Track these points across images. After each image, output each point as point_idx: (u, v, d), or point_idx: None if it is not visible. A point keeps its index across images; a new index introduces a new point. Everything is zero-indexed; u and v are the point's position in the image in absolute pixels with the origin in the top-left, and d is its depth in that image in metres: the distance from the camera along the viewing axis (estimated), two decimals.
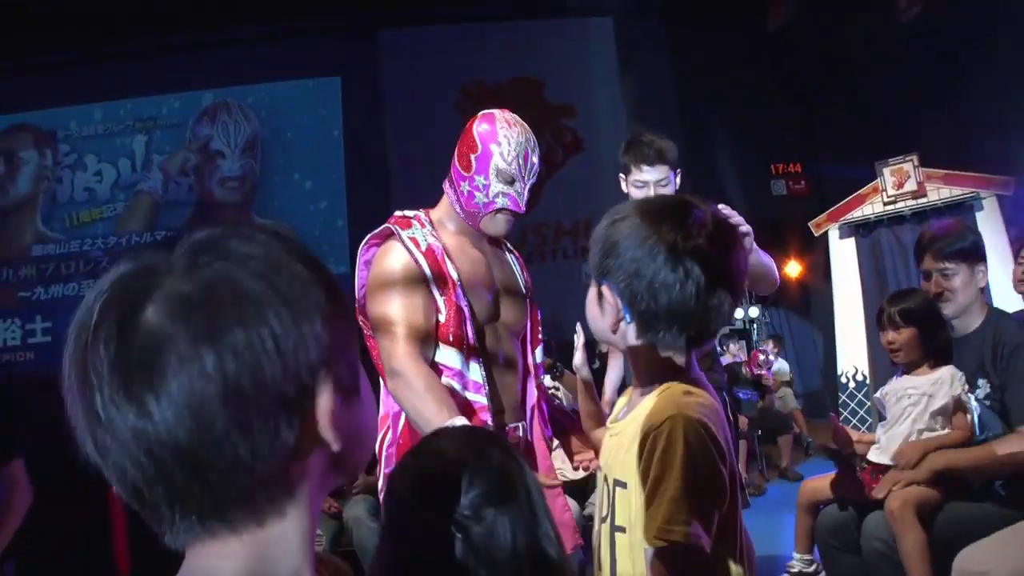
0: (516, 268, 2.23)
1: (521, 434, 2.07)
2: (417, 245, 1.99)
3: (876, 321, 2.68)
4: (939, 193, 6.91)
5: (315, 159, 8.27)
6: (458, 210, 2.09)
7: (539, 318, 2.24)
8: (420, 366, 1.89)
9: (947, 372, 2.50)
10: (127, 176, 8.31)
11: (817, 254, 8.23)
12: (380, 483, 2.03)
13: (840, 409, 7.42)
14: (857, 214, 7.41)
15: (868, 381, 7.31)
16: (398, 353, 1.89)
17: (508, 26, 8.36)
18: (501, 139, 2.04)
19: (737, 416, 6.02)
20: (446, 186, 2.14)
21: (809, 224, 7.77)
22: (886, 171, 7.11)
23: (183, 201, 8.25)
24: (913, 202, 7.03)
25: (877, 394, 2.72)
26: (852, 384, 7.42)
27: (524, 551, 1.14)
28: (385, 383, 1.97)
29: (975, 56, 6.44)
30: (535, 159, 2.07)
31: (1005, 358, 2.50)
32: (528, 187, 2.07)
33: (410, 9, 8.16)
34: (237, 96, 8.35)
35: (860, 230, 7.51)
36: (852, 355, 7.37)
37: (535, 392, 2.13)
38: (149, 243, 7.47)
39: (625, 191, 2.85)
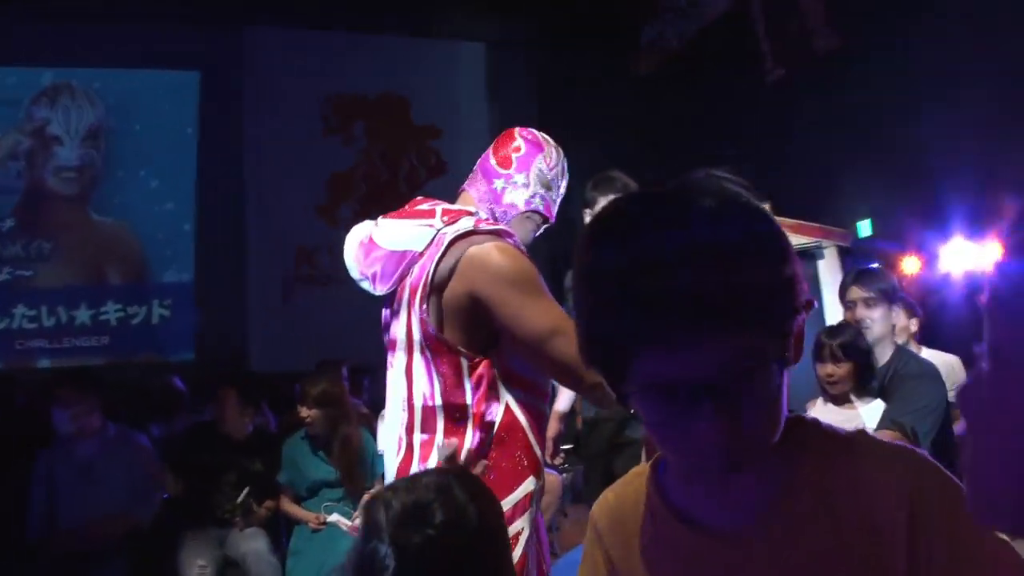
0: None
1: None
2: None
3: (813, 354, 2.89)
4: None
5: (165, 157, 7.89)
6: (483, 209, 2.00)
7: None
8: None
9: (880, 405, 2.75)
10: None
11: None
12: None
13: None
14: None
15: None
16: (562, 320, 1.77)
17: (380, 40, 8.34)
18: (547, 148, 2.07)
19: None
20: (470, 187, 2.06)
21: None
22: None
23: (10, 188, 7.61)
24: None
25: None
26: None
27: None
28: (464, 410, 1.84)
29: (821, 121, 7.07)
30: (566, 184, 2.12)
31: (892, 381, 2.81)
32: (560, 199, 2.09)
33: (280, 8, 7.95)
34: (83, 79, 7.82)
35: None
36: None
37: None
38: None
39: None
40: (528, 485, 1.85)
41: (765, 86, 7.11)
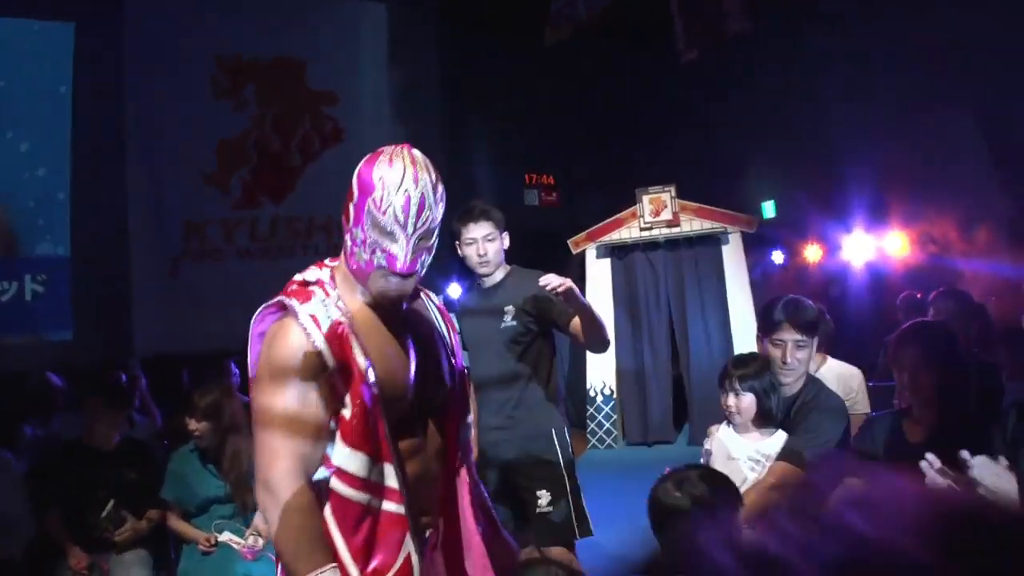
0: (440, 324, 2.07)
1: (439, 536, 1.93)
2: (318, 324, 1.77)
3: (719, 382, 2.86)
4: (691, 224, 7.58)
5: (35, 117, 7.30)
6: (350, 269, 1.87)
7: (468, 382, 2.13)
8: (298, 493, 1.70)
9: (781, 436, 2.74)
10: None
11: (569, 269, 8.65)
12: None
13: (588, 421, 7.92)
14: (615, 236, 7.93)
15: (615, 396, 7.86)
16: (278, 468, 1.70)
17: None
18: (377, 183, 1.75)
19: None
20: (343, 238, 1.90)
21: (568, 242, 8.18)
22: (645, 198, 7.66)
23: None
24: (668, 230, 7.65)
25: (706, 444, 2.91)
26: (600, 398, 7.95)
27: None
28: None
29: (731, 105, 7.10)
30: (428, 204, 1.78)
31: (799, 411, 2.80)
32: (415, 239, 1.78)
33: None
34: None
35: (616, 252, 8.05)
36: (601, 371, 7.90)
37: (466, 477, 1.98)
38: None
39: (461, 255, 3.43)
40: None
41: (676, 64, 7.07)
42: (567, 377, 8.67)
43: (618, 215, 7.76)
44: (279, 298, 1.84)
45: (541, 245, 8.69)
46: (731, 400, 2.80)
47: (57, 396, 4.97)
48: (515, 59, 8.61)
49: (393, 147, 1.82)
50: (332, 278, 1.89)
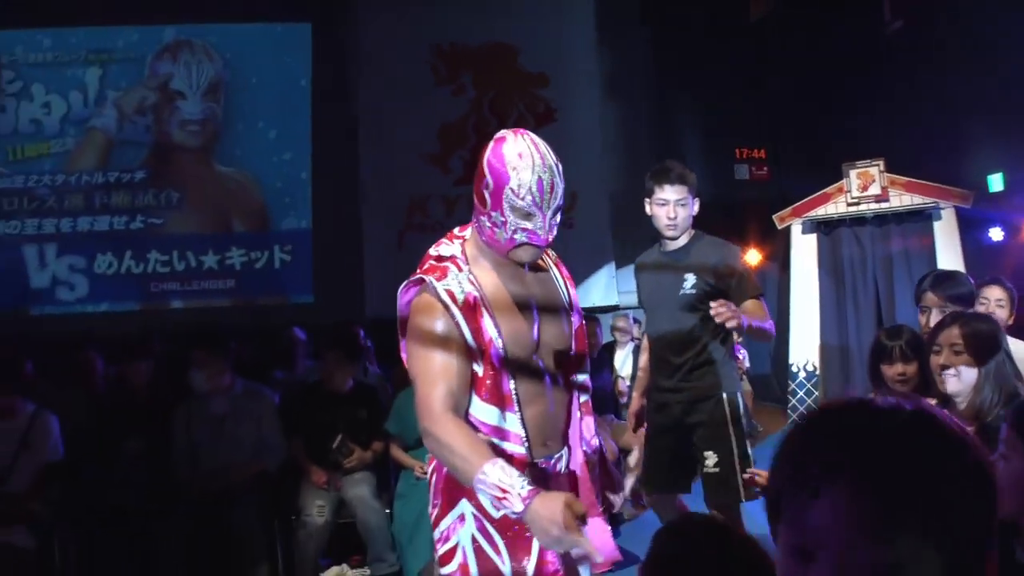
0: (560, 285, 2.33)
1: (561, 467, 2.23)
2: (454, 299, 2.06)
3: (876, 354, 3.08)
4: (901, 199, 7.48)
5: (281, 108, 8.38)
6: (484, 242, 2.16)
7: (584, 333, 2.37)
8: (451, 426, 1.99)
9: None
10: (78, 110, 8.25)
11: (776, 244, 8.73)
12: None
13: (789, 397, 8.04)
14: (821, 212, 7.94)
15: (818, 373, 7.93)
16: (433, 413, 2.01)
17: None
18: (511, 172, 2.02)
19: None
20: (473, 216, 2.19)
21: (773, 217, 8.28)
22: (852, 173, 7.64)
23: (139, 141, 8.26)
24: (876, 205, 7.60)
25: None
26: (803, 374, 8.03)
27: None
28: None
29: (947, 72, 6.91)
30: (556, 181, 2.05)
31: None
32: (551, 214, 2.07)
33: None
34: (200, 35, 8.35)
35: (822, 227, 8.05)
36: (805, 347, 7.98)
37: (578, 416, 2.31)
38: (100, 184, 7.48)
39: (649, 213, 3.50)
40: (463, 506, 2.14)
41: (883, 34, 6.99)
42: (772, 353, 8.78)
43: (824, 190, 7.77)
44: (418, 275, 2.14)
45: (751, 218, 8.85)
46: (900, 367, 3.00)
47: (300, 347, 5.85)
48: (723, 33, 8.75)
49: (513, 134, 2.07)
50: (463, 252, 2.18)
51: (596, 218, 8.70)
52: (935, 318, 3.03)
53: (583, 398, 2.32)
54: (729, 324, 2.90)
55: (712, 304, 2.91)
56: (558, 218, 2.11)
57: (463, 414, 2.07)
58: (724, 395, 3.40)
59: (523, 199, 2.02)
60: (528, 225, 2.06)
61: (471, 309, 2.07)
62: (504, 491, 1.86)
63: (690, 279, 3.39)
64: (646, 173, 3.52)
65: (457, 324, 2.05)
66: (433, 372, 2.03)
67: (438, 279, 2.08)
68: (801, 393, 8.01)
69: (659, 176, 3.41)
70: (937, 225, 7.31)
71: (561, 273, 2.36)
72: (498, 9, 8.63)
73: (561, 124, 8.64)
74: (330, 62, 8.38)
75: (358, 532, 4.54)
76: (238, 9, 8.26)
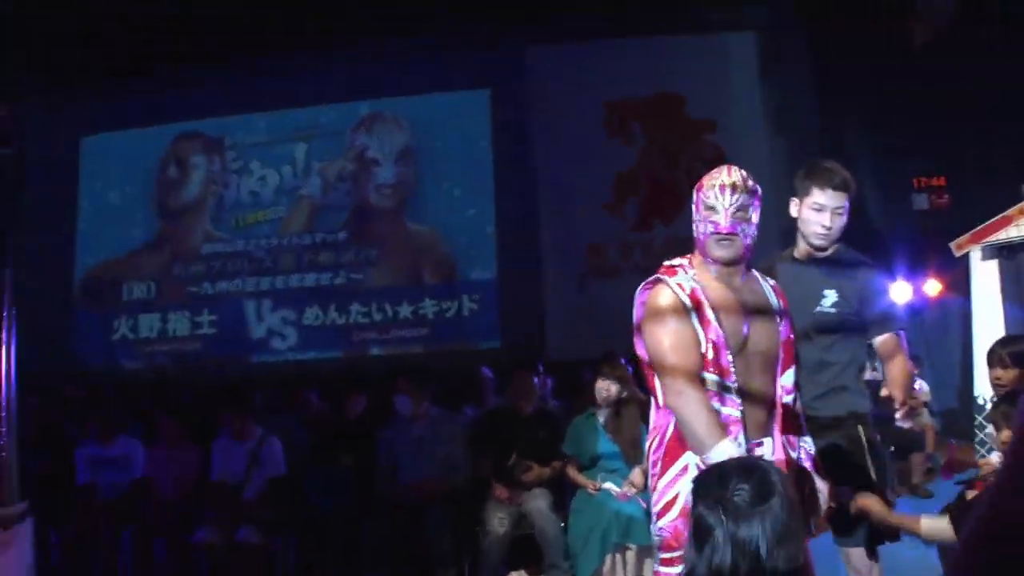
0: (770, 296, 2.73)
1: (764, 453, 2.55)
2: (682, 288, 2.58)
3: (988, 357, 3.34)
4: None
5: (464, 168, 9.26)
6: (699, 252, 2.69)
7: (792, 345, 2.74)
8: (697, 391, 2.48)
9: None
10: (289, 181, 9.46)
11: (957, 272, 8.67)
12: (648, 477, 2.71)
13: (976, 431, 7.91)
14: (1001, 236, 7.84)
15: None
16: (679, 378, 2.50)
17: (650, 42, 9.13)
18: (706, 182, 2.63)
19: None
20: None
21: (950, 245, 8.25)
22: None
23: (340, 205, 9.34)
24: None
25: None
26: (989, 406, 7.88)
27: (774, 546, 1.70)
28: (656, 404, 2.63)
29: None
30: (737, 185, 2.58)
31: None
32: (732, 211, 2.56)
33: (556, 25, 8.99)
34: (391, 107, 9.36)
35: (1003, 252, 7.93)
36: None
37: (780, 412, 2.66)
38: (308, 244, 8.56)
39: (794, 214, 3.24)
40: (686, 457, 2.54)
41: None
42: (958, 385, 8.69)
43: (1004, 213, 7.71)
44: (655, 276, 2.66)
45: (932, 248, 8.84)
46: (998, 372, 3.32)
47: (488, 384, 6.50)
48: (886, 61, 8.89)
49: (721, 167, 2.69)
50: (690, 263, 2.69)
51: (768, 252, 8.94)
52: None
53: (786, 399, 2.67)
54: (900, 414, 2.87)
55: (883, 391, 2.93)
56: (742, 220, 2.59)
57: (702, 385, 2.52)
58: (859, 424, 3.16)
59: (708, 196, 2.60)
60: (712, 216, 2.59)
61: (695, 299, 2.56)
62: None
63: (830, 296, 3.15)
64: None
65: (686, 307, 2.55)
66: (681, 345, 2.53)
67: (670, 277, 2.63)
68: (989, 427, 7.87)
69: (820, 177, 3.15)
70: None
71: (776, 294, 2.77)
72: (663, 62, 9.18)
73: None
74: (509, 123, 9.20)
75: (536, 543, 5.09)
76: (423, 82, 9.25)
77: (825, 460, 2.97)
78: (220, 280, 9.43)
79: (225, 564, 4.93)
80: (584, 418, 4.98)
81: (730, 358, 2.55)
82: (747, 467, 1.89)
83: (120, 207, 9.77)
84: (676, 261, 2.70)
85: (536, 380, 5.77)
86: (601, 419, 4.87)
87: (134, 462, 5.51)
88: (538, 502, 5.08)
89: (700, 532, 1.80)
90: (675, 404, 2.53)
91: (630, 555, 4.59)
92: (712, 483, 1.86)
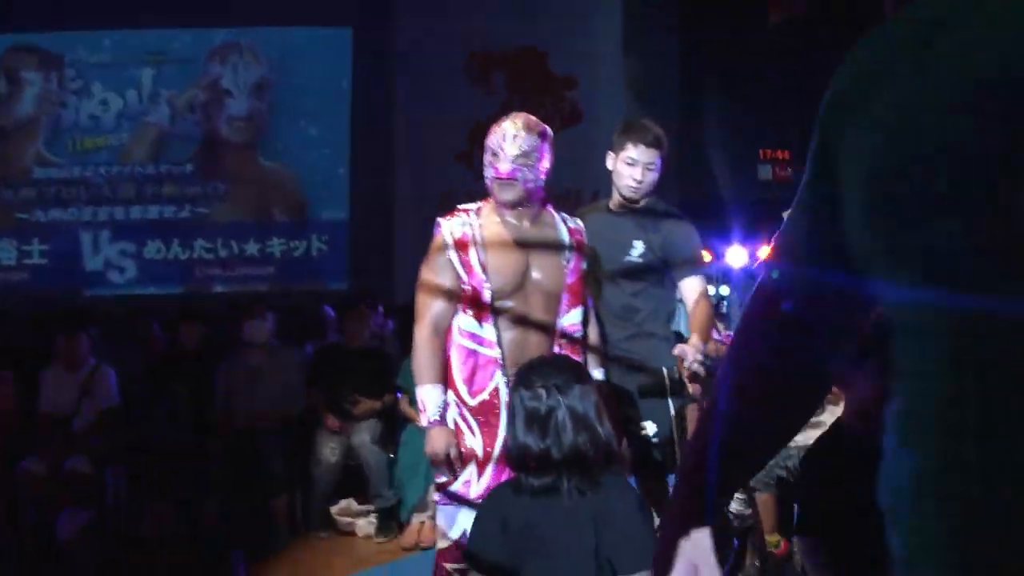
0: (563, 238, 2.95)
1: None
2: (452, 233, 2.84)
3: None
4: None
5: (322, 107, 9.06)
6: (492, 197, 2.91)
7: (582, 285, 2.97)
8: (427, 341, 2.78)
9: None
10: (134, 106, 9.02)
11: None
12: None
13: None
14: None
15: None
16: (419, 318, 2.83)
17: None
18: (493, 129, 2.85)
19: None
20: None
21: (784, 215, 8.70)
22: None
23: (189, 136, 8.99)
24: None
25: None
26: None
27: (591, 423, 2.17)
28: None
29: None
30: (518, 134, 2.79)
31: None
32: (511, 157, 2.77)
33: None
34: (248, 37, 9.06)
35: None
36: None
37: (559, 350, 2.86)
38: (152, 175, 8.22)
39: (610, 167, 3.32)
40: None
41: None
42: None
43: None
44: (438, 218, 2.93)
45: (773, 218, 9.28)
46: None
47: (330, 324, 6.48)
48: (746, 36, 9.24)
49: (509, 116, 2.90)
50: (479, 209, 2.91)
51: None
52: None
53: (565, 340, 2.88)
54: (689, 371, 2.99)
55: (675, 349, 3.01)
56: (524, 166, 2.79)
57: (442, 333, 2.82)
58: (664, 370, 3.26)
59: (491, 143, 2.82)
60: (495, 163, 2.80)
61: (462, 244, 2.80)
62: (422, 408, 2.78)
63: (638, 247, 3.26)
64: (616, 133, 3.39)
65: (448, 255, 2.82)
66: (430, 288, 2.82)
67: (446, 220, 2.89)
68: None
69: (634, 134, 3.25)
70: None
71: (572, 236, 2.97)
72: (529, 16, 9.22)
73: (588, 125, 9.19)
74: (369, 64, 9.05)
75: (364, 472, 5.24)
76: (283, 14, 8.97)
77: (630, 399, 3.27)
78: (54, 208, 8.93)
79: (51, 493, 4.82)
80: None
81: (489, 299, 2.77)
82: (557, 361, 2.45)
83: None
84: (469, 205, 2.94)
85: (375, 320, 5.95)
86: None
87: None
88: (363, 435, 5.21)
89: (537, 417, 2.20)
90: (414, 339, 2.84)
91: None
92: (535, 375, 2.21)
